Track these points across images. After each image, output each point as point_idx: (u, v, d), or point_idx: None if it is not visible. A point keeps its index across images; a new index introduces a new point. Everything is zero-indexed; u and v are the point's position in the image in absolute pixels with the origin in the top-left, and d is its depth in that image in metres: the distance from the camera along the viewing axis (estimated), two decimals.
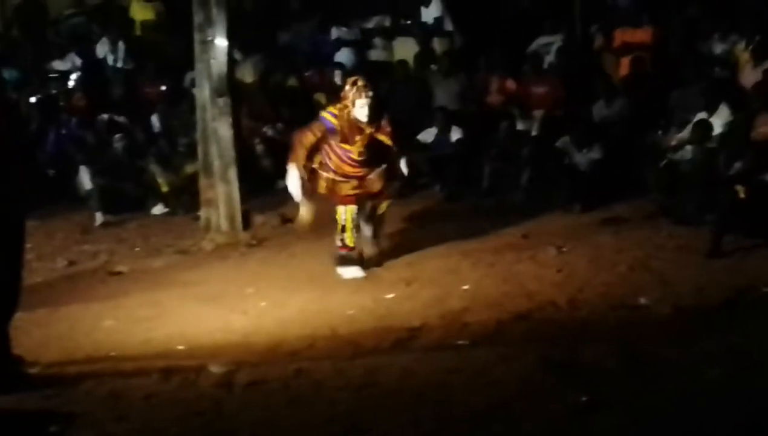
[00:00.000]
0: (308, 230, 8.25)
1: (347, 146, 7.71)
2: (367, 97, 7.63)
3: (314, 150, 7.85)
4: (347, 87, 7.73)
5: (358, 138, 7.72)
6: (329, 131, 7.73)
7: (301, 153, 7.79)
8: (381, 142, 7.82)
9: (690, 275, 7.21)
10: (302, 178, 7.84)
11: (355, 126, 7.70)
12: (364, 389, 5.41)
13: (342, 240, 7.87)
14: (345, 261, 7.89)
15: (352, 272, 7.85)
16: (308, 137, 7.80)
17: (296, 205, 8.44)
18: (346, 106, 7.69)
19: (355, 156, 7.74)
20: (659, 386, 5.20)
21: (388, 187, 7.99)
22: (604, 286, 7.14)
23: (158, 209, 11.04)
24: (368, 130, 7.74)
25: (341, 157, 7.75)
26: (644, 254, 7.78)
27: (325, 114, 7.86)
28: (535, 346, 5.91)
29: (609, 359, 5.56)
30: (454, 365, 5.65)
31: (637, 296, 6.79)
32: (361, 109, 7.64)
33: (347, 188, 7.79)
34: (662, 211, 8.86)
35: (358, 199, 7.85)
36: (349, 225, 7.82)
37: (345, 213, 7.82)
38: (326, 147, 7.80)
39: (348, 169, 7.78)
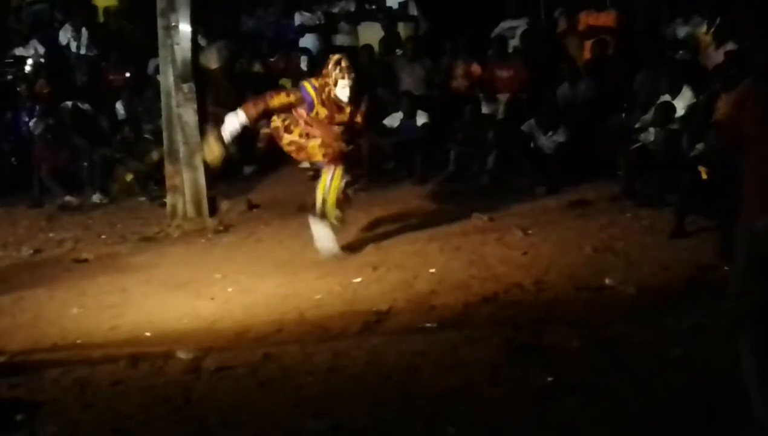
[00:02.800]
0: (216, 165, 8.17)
1: (328, 124, 7.68)
2: (350, 78, 7.61)
3: (280, 111, 7.77)
4: (330, 66, 7.64)
5: (337, 117, 7.70)
6: (304, 101, 7.64)
7: (259, 108, 7.70)
8: (355, 123, 7.82)
9: (654, 255, 7.28)
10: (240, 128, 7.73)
11: (335, 105, 7.66)
12: (332, 372, 5.44)
13: (322, 209, 7.75)
14: (324, 232, 7.79)
15: (331, 249, 7.78)
16: (280, 98, 7.70)
17: (266, 192, 8.44)
18: (327, 84, 7.65)
19: (338, 126, 7.72)
20: (624, 366, 5.26)
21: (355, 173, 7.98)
22: (570, 267, 7.19)
23: (97, 197, 10.98)
24: (348, 110, 7.73)
25: (326, 129, 7.69)
26: (609, 236, 7.85)
27: (306, 84, 7.74)
28: (501, 328, 5.96)
29: (574, 340, 5.63)
30: (421, 347, 5.69)
31: (602, 277, 6.84)
32: (342, 90, 7.60)
33: (339, 148, 7.69)
34: (626, 192, 8.93)
35: (346, 160, 7.72)
36: (336, 184, 7.69)
37: (334, 172, 7.69)
38: (308, 119, 7.71)
39: (332, 133, 7.70)
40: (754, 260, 4.20)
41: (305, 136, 7.72)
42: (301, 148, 7.81)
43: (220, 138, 7.78)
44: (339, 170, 7.73)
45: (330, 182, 7.73)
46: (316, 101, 7.61)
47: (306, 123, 7.68)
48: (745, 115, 4.25)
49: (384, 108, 10.96)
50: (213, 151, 7.86)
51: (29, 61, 13.20)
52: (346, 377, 5.38)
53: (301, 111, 7.69)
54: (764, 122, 4.19)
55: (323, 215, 7.79)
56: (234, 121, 7.70)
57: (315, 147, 7.74)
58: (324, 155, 7.74)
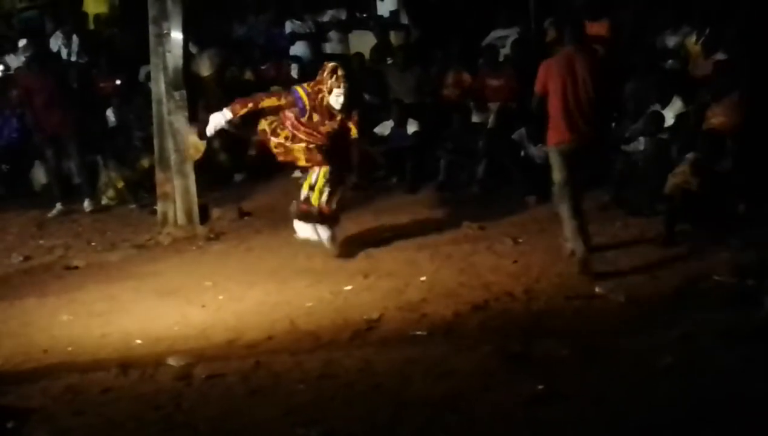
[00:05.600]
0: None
1: (319, 126, 7.71)
2: (344, 86, 7.65)
3: (266, 114, 7.84)
4: (325, 74, 7.70)
5: (327, 123, 7.73)
6: (297, 105, 7.68)
7: (248, 108, 7.78)
8: (347, 131, 7.85)
9: (644, 264, 7.30)
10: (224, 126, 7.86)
11: (327, 111, 7.71)
12: (323, 380, 5.45)
13: (307, 198, 7.86)
14: (304, 216, 7.88)
15: (308, 231, 7.88)
16: (271, 100, 7.79)
17: (257, 200, 8.32)
18: (321, 91, 7.69)
19: (323, 135, 7.74)
20: (613, 374, 5.29)
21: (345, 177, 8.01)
22: (560, 276, 7.21)
23: (87, 205, 10.86)
24: (339, 117, 7.77)
25: (312, 132, 7.74)
26: (599, 244, 7.86)
27: (298, 88, 7.80)
28: (491, 336, 5.98)
29: (564, 349, 5.65)
30: (411, 355, 5.71)
31: (592, 286, 6.86)
32: (337, 98, 7.67)
33: (321, 154, 7.78)
34: (616, 201, 8.96)
35: (332, 160, 7.81)
36: (320, 184, 7.80)
37: (319, 172, 7.81)
38: (295, 123, 7.76)
39: (318, 137, 7.76)
40: (562, 162, 7.21)
41: (290, 139, 7.79)
42: (287, 151, 7.90)
43: (202, 134, 7.90)
44: (324, 169, 7.80)
45: (315, 180, 7.83)
46: (308, 106, 7.65)
47: (293, 126, 7.73)
48: (549, 75, 7.15)
49: (375, 116, 10.98)
50: (195, 146, 7.98)
51: (12, 66, 13.20)
52: (337, 384, 5.38)
53: (289, 114, 7.75)
54: (560, 78, 7.08)
55: (308, 202, 7.86)
56: (219, 118, 7.84)
57: (300, 150, 7.82)
58: (307, 160, 7.86)
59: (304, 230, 7.89)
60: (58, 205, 10.80)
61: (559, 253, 7.60)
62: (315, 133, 7.74)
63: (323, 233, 8.03)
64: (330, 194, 7.90)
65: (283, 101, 7.78)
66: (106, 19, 14.39)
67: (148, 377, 5.69)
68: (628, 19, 11.11)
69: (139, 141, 11.38)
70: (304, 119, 7.66)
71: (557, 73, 7.15)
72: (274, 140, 7.88)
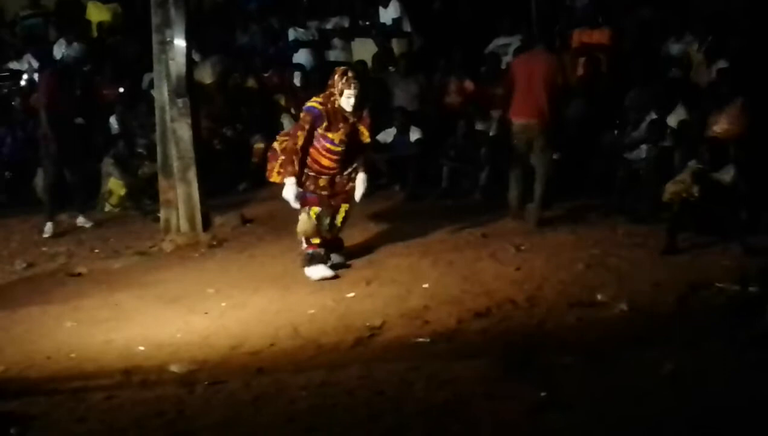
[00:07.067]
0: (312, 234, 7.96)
1: (330, 134, 7.71)
2: (355, 88, 7.68)
3: (305, 148, 7.75)
4: (336, 77, 7.73)
5: (341, 126, 7.74)
6: (316, 118, 7.68)
7: (295, 163, 7.67)
8: (359, 134, 7.87)
9: (646, 272, 7.30)
10: (299, 187, 7.73)
11: (339, 114, 7.72)
12: (325, 387, 5.46)
13: (307, 239, 7.86)
14: (312, 260, 7.84)
15: (321, 271, 7.81)
16: (299, 140, 7.67)
17: (259, 207, 8.32)
18: (332, 95, 7.71)
19: (336, 145, 7.73)
20: (616, 381, 5.28)
21: (351, 189, 7.98)
22: (562, 283, 7.21)
23: (81, 221, 10.50)
24: (351, 120, 7.79)
25: (318, 149, 7.73)
26: (601, 252, 7.86)
27: (310, 103, 7.78)
28: (493, 343, 6.00)
29: (567, 356, 5.65)
30: (413, 362, 5.71)
31: (594, 293, 6.86)
32: (347, 100, 7.68)
33: (313, 187, 7.78)
34: (618, 209, 8.97)
35: (321, 201, 7.83)
36: (312, 227, 7.80)
37: (309, 212, 7.78)
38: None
39: (324, 161, 7.75)
40: (518, 136, 8.96)
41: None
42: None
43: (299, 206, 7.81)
44: (314, 210, 7.78)
45: (307, 220, 7.78)
46: (323, 111, 7.66)
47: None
48: (515, 68, 9.20)
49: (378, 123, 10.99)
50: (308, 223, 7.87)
51: (24, 76, 13.21)
52: (339, 391, 5.39)
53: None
54: (522, 70, 9.00)
55: (309, 242, 7.83)
56: (293, 189, 7.68)
57: (303, 175, 7.77)
58: (309, 188, 7.78)
59: (315, 272, 7.81)
60: (49, 225, 10.18)
61: (561, 260, 7.61)
62: (320, 156, 7.73)
63: (335, 258, 8.03)
64: (325, 222, 7.89)
65: (307, 126, 7.68)
66: (110, 26, 14.41)
67: (150, 384, 5.70)
68: (631, 27, 11.13)
69: (142, 148, 11.39)
70: (321, 130, 7.64)
71: (520, 66, 9.11)
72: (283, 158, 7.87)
